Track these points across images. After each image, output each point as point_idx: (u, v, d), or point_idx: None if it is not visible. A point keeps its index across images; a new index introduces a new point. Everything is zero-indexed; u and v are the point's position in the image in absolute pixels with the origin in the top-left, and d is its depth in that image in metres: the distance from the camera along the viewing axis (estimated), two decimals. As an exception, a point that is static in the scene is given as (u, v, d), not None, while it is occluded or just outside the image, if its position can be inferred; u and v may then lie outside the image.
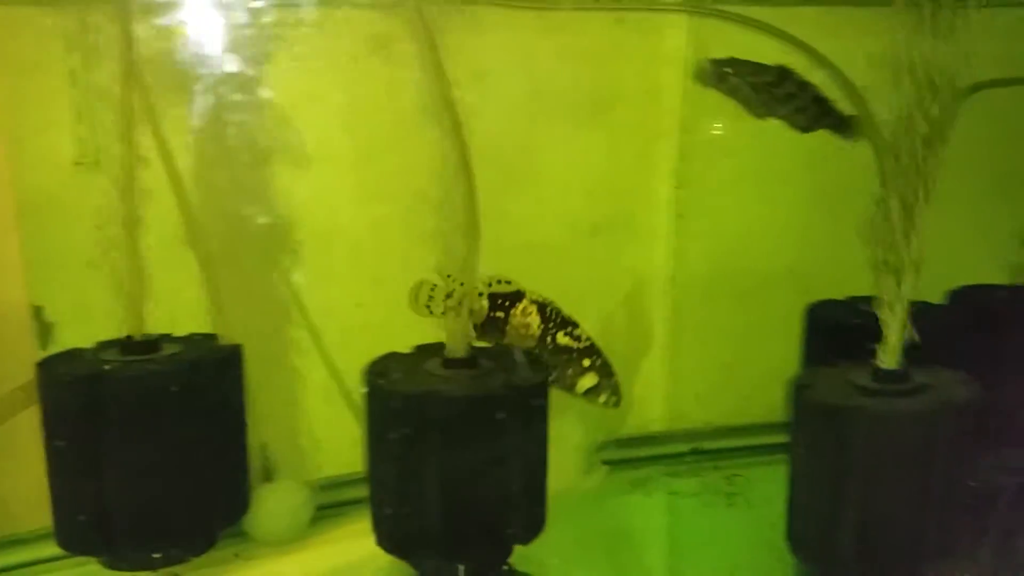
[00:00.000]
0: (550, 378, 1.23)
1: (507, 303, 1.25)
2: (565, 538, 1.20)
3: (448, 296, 1.15)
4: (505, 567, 1.12)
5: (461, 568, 1.10)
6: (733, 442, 1.48)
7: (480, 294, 1.21)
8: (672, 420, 1.50)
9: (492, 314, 1.23)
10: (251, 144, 1.24)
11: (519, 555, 1.13)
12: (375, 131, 1.27)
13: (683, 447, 1.46)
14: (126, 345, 1.09)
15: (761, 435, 1.47)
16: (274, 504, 1.18)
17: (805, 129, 1.26)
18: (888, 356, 1.04)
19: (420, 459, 1.03)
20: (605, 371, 1.23)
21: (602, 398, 1.21)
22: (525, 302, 1.25)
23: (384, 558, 1.11)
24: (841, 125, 1.28)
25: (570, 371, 1.23)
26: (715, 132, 1.45)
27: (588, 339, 1.25)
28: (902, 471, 1.00)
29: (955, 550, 1.07)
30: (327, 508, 1.25)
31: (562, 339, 1.24)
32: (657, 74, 1.41)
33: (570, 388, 1.23)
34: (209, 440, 1.09)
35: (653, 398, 1.51)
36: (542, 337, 1.23)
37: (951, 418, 1.01)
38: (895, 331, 1.03)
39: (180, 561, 1.11)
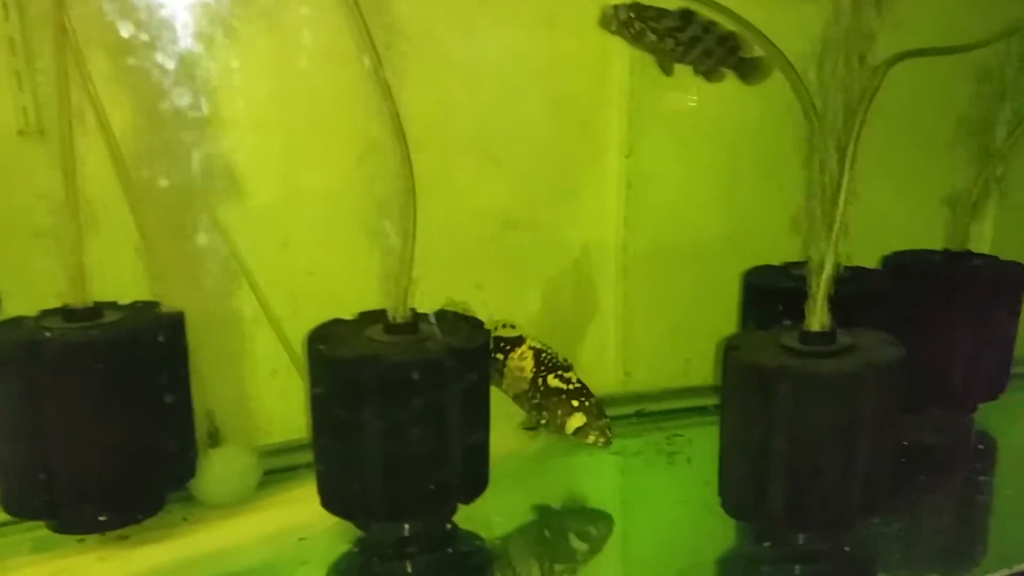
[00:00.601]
0: (542, 421, 1.28)
1: (508, 347, 1.32)
2: (509, 497, 1.23)
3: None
4: (448, 526, 1.16)
5: (405, 527, 1.14)
6: (676, 404, 1.51)
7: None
8: (619, 384, 1.53)
9: (493, 354, 1.30)
10: (193, 110, 1.23)
11: (463, 514, 1.16)
12: (320, 97, 1.27)
13: (629, 409, 1.50)
14: (67, 313, 1.10)
15: (702, 397, 1.51)
16: (221, 468, 1.19)
17: (708, 73, 1.27)
18: (814, 318, 1.08)
19: (362, 423, 1.05)
20: (593, 412, 1.26)
21: (590, 438, 1.24)
22: (524, 347, 1.32)
23: (331, 519, 1.13)
24: (746, 68, 1.30)
25: (560, 411, 1.27)
26: (663, 101, 1.47)
27: (578, 381, 1.30)
28: (827, 430, 1.03)
29: (883, 508, 1.12)
30: (277, 473, 1.27)
31: (552, 381, 1.29)
32: (604, 43, 1.42)
33: (560, 428, 1.27)
34: (152, 405, 1.10)
35: (601, 363, 1.54)
36: (534, 379, 1.29)
37: (876, 378, 1.04)
38: (821, 294, 1.07)
39: (127, 524, 1.13)
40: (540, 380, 1.29)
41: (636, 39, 1.24)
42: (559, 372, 1.30)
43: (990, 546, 1.17)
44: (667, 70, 1.29)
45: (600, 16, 1.31)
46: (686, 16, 1.24)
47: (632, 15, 1.23)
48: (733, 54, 1.27)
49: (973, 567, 1.09)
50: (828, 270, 1.06)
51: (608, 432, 1.23)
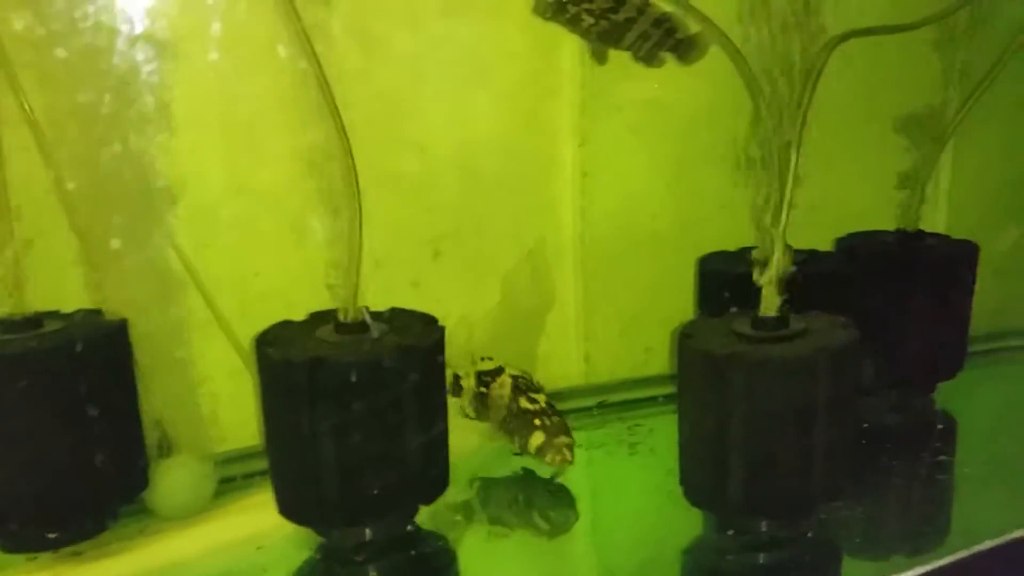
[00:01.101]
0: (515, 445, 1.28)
1: (489, 379, 1.33)
2: (470, 496, 1.23)
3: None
4: (410, 527, 1.14)
5: (366, 531, 1.12)
6: (636, 394, 1.51)
7: (467, 375, 1.35)
8: (580, 375, 1.52)
9: (478, 390, 1.33)
10: (131, 109, 1.20)
11: (424, 515, 1.15)
12: (263, 95, 1.24)
13: (590, 401, 1.49)
14: (5, 323, 1.07)
15: (663, 386, 1.50)
16: (174, 479, 1.16)
17: (647, 59, 1.26)
18: (766, 303, 1.07)
19: (314, 427, 1.03)
20: (552, 431, 1.24)
21: (548, 457, 1.22)
22: (503, 375, 1.32)
23: (289, 526, 1.11)
24: (683, 47, 1.28)
25: (524, 431, 1.26)
26: (614, 89, 1.45)
27: (546, 402, 1.29)
28: (783, 416, 1.03)
29: (844, 492, 1.12)
30: (231, 481, 1.25)
31: (523, 403, 1.28)
32: (552, 31, 1.40)
33: (525, 448, 1.26)
34: (97, 417, 1.07)
35: (562, 355, 1.53)
36: (510, 404, 1.29)
37: (829, 362, 1.03)
38: (772, 278, 1.06)
39: (80, 540, 1.10)
40: (514, 405, 1.29)
41: (572, 24, 1.22)
42: (529, 394, 1.30)
43: (953, 525, 1.17)
44: (600, 58, 1.27)
45: (534, 3, 1.29)
46: None
47: (566, 1, 1.21)
48: (670, 35, 1.26)
49: (936, 547, 1.09)
50: (778, 254, 1.06)
51: (567, 451, 1.20)
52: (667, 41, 1.26)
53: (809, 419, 1.03)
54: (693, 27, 1.26)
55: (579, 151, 1.46)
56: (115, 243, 1.15)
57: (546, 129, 1.45)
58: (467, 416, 1.35)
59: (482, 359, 1.37)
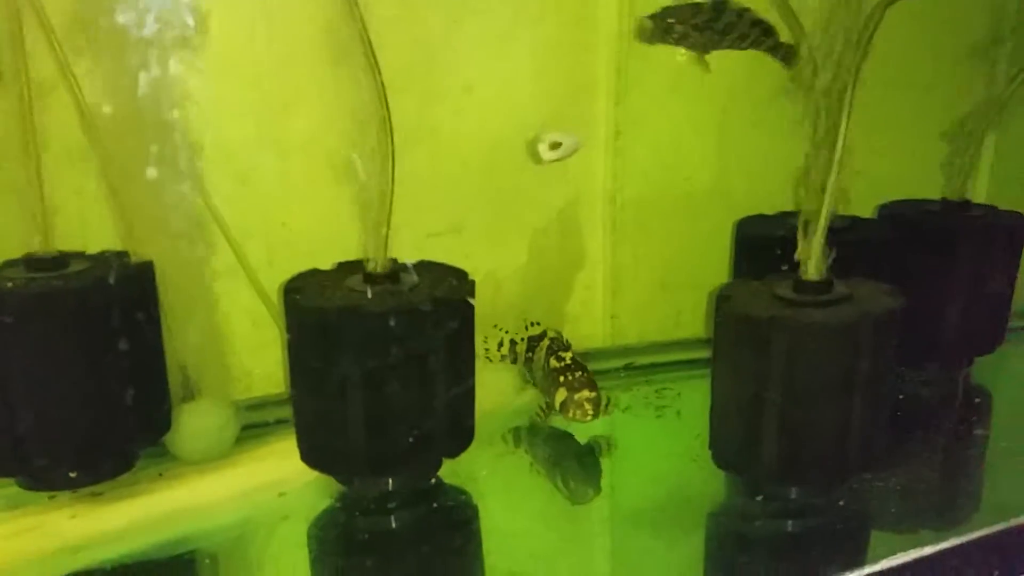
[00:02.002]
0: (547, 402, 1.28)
1: (535, 343, 1.34)
2: (495, 452, 1.21)
3: (500, 345, 1.38)
4: (433, 480, 1.13)
5: (389, 482, 1.11)
6: (665, 357, 1.48)
7: (521, 339, 1.37)
8: (607, 337, 1.50)
9: (528, 354, 1.35)
10: (162, 54, 1.17)
11: (448, 468, 1.14)
12: (295, 38, 1.21)
13: (617, 363, 1.47)
14: (30, 262, 1.05)
15: (691, 350, 1.48)
16: (196, 423, 1.15)
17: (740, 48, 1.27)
18: (810, 267, 1.04)
19: (342, 376, 1.01)
20: (575, 386, 1.21)
21: (570, 413, 1.20)
22: (545, 339, 1.33)
23: (311, 474, 1.10)
24: (780, 49, 1.30)
25: (551, 388, 1.25)
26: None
27: (570, 359, 1.27)
28: (823, 382, 1.01)
29: (877, 462, 1.10)
30: (255, 428, 1.24)
31: (552, 363, 1.28)
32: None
33: (552, 406, 1.25)
34: (122, 358, 1.05)
35: (590, 316, 1.51)
36: (544, 363, 1.29)
37: (873, 328, 1.01)
38: (817, 241, 1.03)
39: (100, 481, 1.09)
40: (545, 364, 1.29)
41: (679, 41, 1.24)
42: (558, 352, 1.28)
43: (985, 501, 1.15)
44: (703, 64, 1.29)
45: (637, 31, 1.29)
46: (718, 6, 1.24)
47: (670, 20, 1.23)
48: (768, 36, 1.27)
49: (968, 522, 1.06)
50: (825, 217, 1.03)
51: (588, 406, 1.18)
52: (765, 41, 1.26)
53: (849, 386, 1.00)
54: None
55: (614, 110, 1.42)
56: (143, 186, 1.13)
57: (582, 86, 1.41)
58: (527, 382, 1.36)
59: (532, 324, 1.37)
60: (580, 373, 1.23)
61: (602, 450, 1.23)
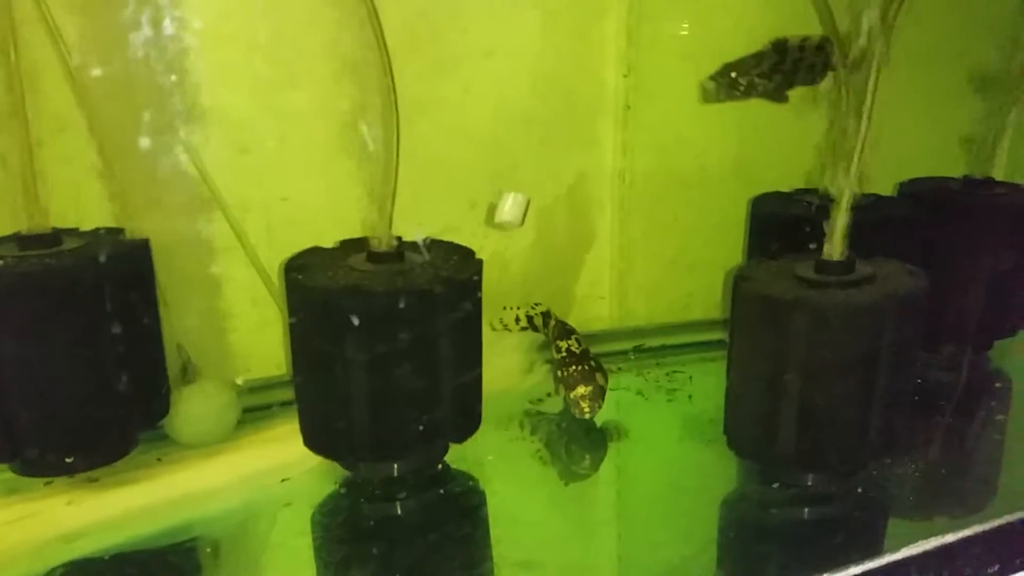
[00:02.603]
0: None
1: (547, 320, 1.35)
2: (501, 436, 1.18)
3: (516, 320, 1.36)
4: (440, 465, 1.10)
5: (394, 467, 1.08)
6: (675, 339, 1.45)
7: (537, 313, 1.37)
8: (616, 318, 1.46)
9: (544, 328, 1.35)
10: (156, 23, 1.12)
11: (454, 454, 1.11)
12: (294, 7, 1.16)
13: (626, 345, 1.44)
14: (22, 240, 1.01)
15: (703, 332, 1.45)
16: (195, 406, 1.12)
17: (817, 82, 1.24)
18: (832, 247, 1.00)
19: (345, 358, 0.98)
20: (571, 383, 1.19)
21: (573, 411, 1.18)
22: (552, 321, 1.33)
23: (314, 459, 1.07)
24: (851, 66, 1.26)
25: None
26: (666, 13, 1.36)
27: (567, 349, 1.24)
28: (844, 365, 0.97)
29: (897, 448, 1.07)
30: (255, 411, 1.21)
31: (552, 353, 1.27)
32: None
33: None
34: (117, 340, 1.02)
35: (598, 297, 1.47)
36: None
37: (896, 310, 0.97)
38: (840, 221, 0.99)
39: (97, 466, 1.06)
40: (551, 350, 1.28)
41: (747, 93, 1.22)
42: (557, 341, 1.27)
43: (1006, 487, 1.12)
44: (781, 99, 1.25)
45: (701, 93, 1.31)
46: (779, 48, 1.22)
47: (734, 75, 1.21)
48: (832, 53, 1.23)
49: (988, 509, 1.04)
50: (848, 196, 0.99)
51: (583, 404, 1.16)
52: (831, 61, 1.22)
53: (870, 370, 0.97)
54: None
55: (623, 81, 1.38)
56: (138, 158, 1.08)
57: (592, 57, 1.36)
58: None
59: (533, 306, 1.36)
60: (575, 367, 1.20)
61: (612, 435, 1.21)
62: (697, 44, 1.38)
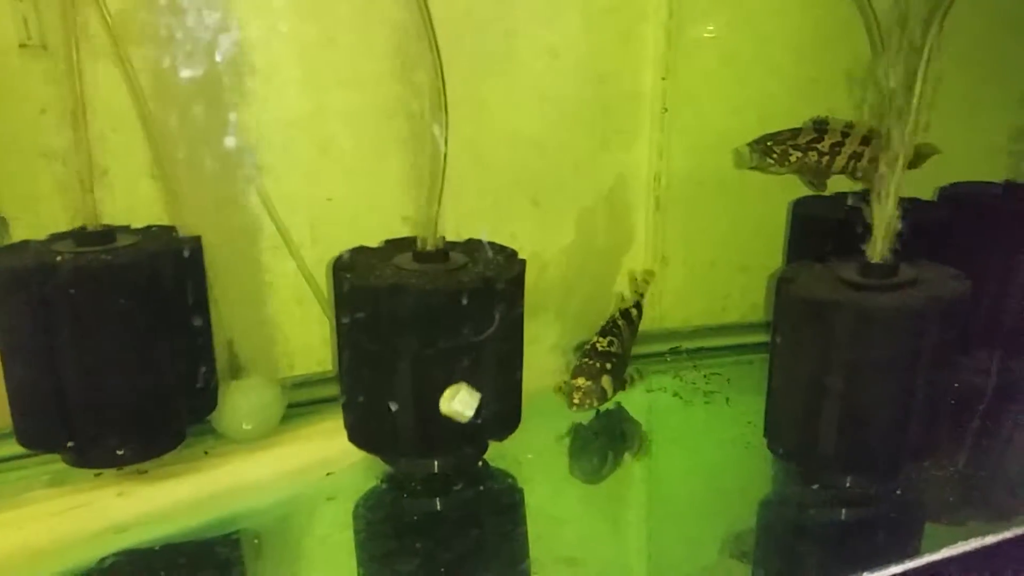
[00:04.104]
0: None
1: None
2: (541, 435, 1.19)
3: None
4: (480, 463, 1.11)
5: (435, 464, 1.09)
6: (712, 342, 1.46)
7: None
8: (652, 320, 1.47)
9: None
10: (209, 23, 1.15)
11: (494, 451, 1.12)
12: (342, 9, 1.18)
13: (662, 347, 1.44)
14: (79, 236, 1.04)
15: (741, 335, 1.45)
16: (243, 401, 1.14)
17: (865, 177, 1.29)
18: (875, 250, 1.00)
19: (392, 355, 1.00)
20: (574, 373, 1.20)
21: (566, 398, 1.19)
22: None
23: (357, 454, 1.09)
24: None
25: None
26: (706, 17, 1.37)
27: (591, 345, 1.25)
28: (888, 368, 0.98)
29: (936, 449, 1.07)
30: (299, 406, 1.23)
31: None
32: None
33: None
34: (169, 334, 1.05)
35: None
36: None
37: (940, 313, 0.97)
38: (884, 224, 0.99)
39: (146, 458, 1.09)
40: None
41: (781, 162, 1.27)
42: (596, 335, 1.28)
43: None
44: (820, 186, 1.31)
45: (735, 158, 1.32)
46: (819, 126, 1.26)
47: (769, 143, 1.27)
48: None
49: (1025, 513, 1.03)
50: (892, 199, 0.99)
51: (575, 394, 1.17)
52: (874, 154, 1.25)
53: (912, 372, 0.98)
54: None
55: (661, 84, 1.38)
56: (189, 159, 1.11)
57: (631, 59, 1.37)
58: None
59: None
60: (590, 361, 1.21)
61: (631, 447, 1.21)
62: (737, 48, 1.38)
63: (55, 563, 0.94)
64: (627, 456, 1.18)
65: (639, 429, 1.24)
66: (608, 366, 1.20)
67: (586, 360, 1.21)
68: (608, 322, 1.30)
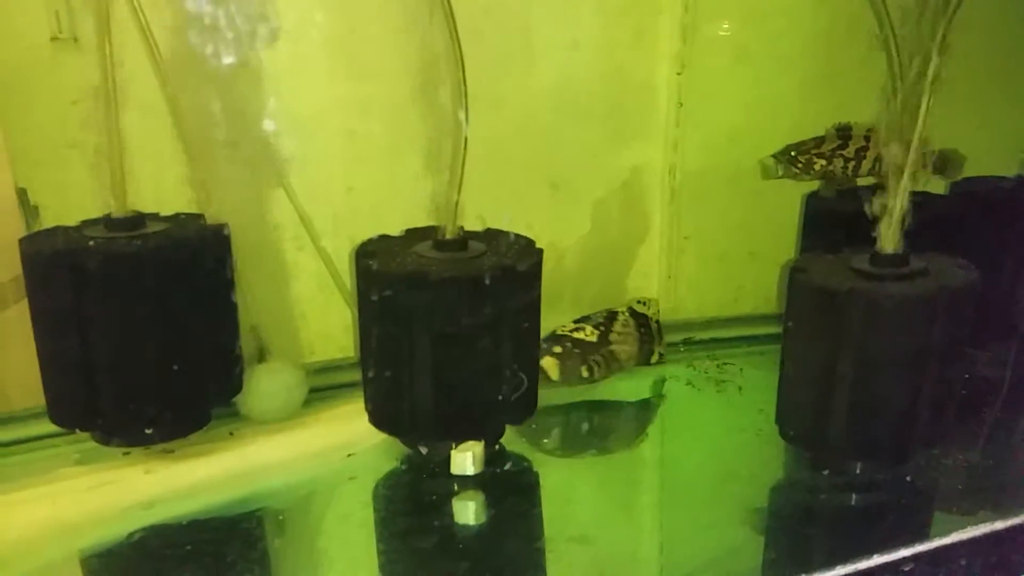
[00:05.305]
0: None
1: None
2: (556, 420, 1.22)
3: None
4: (496, 447, 1.14)
5: (454, 446, 1.12)
6: (725, 332, 1.48)
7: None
8: (667, 311, 1.49)
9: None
10: (233, 19, 1.18)
11: (511, 435, 1.15)
12: (364, 3, 1.21)
13: (676, 337, 1.46)
14: (109, 222, 1.07)
15: (754, 326, 1.47)
16: (268, 384, 1.18)
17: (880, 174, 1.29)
18: (887, 240, 1.02)
19: (411, 340, 1.02)
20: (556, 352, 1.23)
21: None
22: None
23: (378, 436, 1.12)
24: (937, 163, 1.34)
25: None
26: (721, 11, 1.39)
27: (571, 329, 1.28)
28: (898, 355, 0.99)
29: (945, 439, 1.09)
30: (319, 391, 1.26)
31: None
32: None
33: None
34: (197, 318, 1.08)
35: (648, 289, 1.51)
36: None
37: (950, 302, 0.99)
38: (896, 214, 1.01)
39: (173, 438, 1.12)
40: None
41: (806, 171, 1.29)
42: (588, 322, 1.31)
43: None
44: (831, 192, 1.33)
45: (761, 170, 1.35)
46: (843, 132, 1.27)
47: (793, 153, 1.28)
48: None
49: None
50: (904, 191, 1.01)
51: (547, 358, 1.21)
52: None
53: (922, 361, 0.99)
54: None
55: (676, 79, 1.41)
56: (218, 148, 1.14)
57: (646, 54, 1.39)
58: None
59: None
60: (565, 341, 1.25)
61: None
62: (751, 44, 1.40)
63: (85, 537, 0.97)
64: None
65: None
66: (592, 355, 1.25)
67: (565, 342, 1.24)
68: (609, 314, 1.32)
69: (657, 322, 1.37)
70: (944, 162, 1.34)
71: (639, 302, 1.37)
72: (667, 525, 1.03)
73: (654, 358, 1.32)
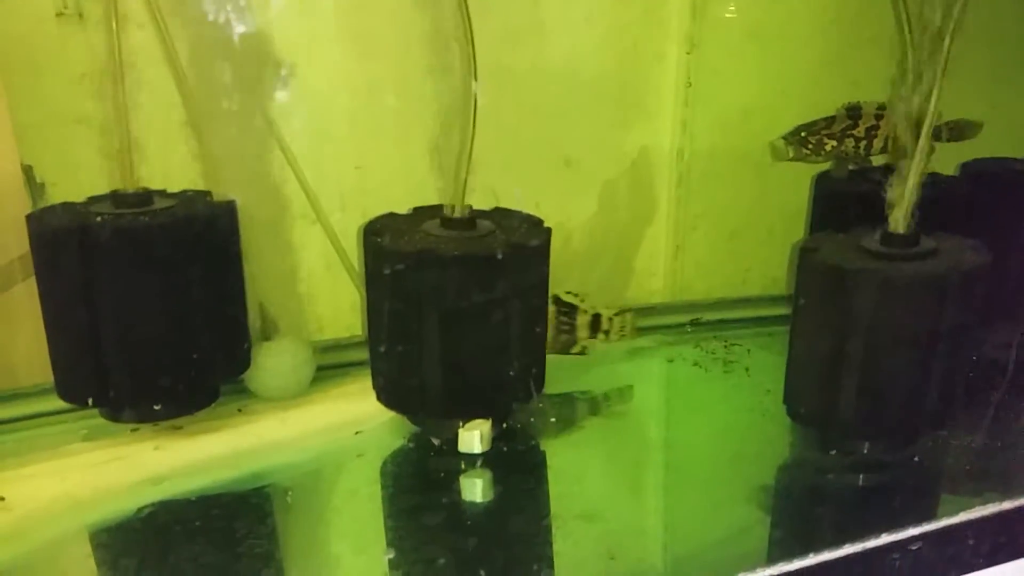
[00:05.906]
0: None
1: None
2: (565, 399, 1.22)
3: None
4: (504, 424, 1.14)
5: (461, 423, 1.12)
6: (733, 313, 1.47)
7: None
8: (674, 292, 1.49)
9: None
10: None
11: (519, 413, 1.15)
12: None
13: (683, 318, 1.46)
14: (117, 198, 1.07)
15: (761, 307, 1.47)
16: (276, 361, 1.18)
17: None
18: (898, 220, 1.02)
19: (417, 318, 1.02)
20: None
21: None
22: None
23: (386, 414, 1.12)
24: (954, 131, 1.34)
25: None
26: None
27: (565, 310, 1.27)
28: (907, 335, 0.99)
29: (953, 420, 1.09)
30: (327, 369, 1.26)
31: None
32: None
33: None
34: (205, 295, 1.07)
35: (655, 270, 1.50)
36: None
37: (960, 282, 0.99)
38: (908, 194, 1.01)
39: (181, 414, 1.12)
40: None
41: (816, 151, 1.28)
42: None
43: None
44: (843, 172, 1.31)
45: (771, 152, 1.34)
46: (853, 112, 1.26)
47: (804, 134, 1.27)
48: None
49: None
50: (915, 171, 1.00)
51: None
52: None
53: (932, 341, 0.99)
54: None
55: (686, 58, 1.40)
56: (223, 125, 1.13)
57: (655, 33, 1.38)
58: None
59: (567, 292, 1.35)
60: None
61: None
62: (761, 22, 1.39)
63: (95, 512, 0.97)
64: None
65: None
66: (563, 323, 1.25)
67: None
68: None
69: (596, 315, 1.32)
70: (960, 130, 1.33)
71: (568, 292, 1.32)
72: (674, 504, 1.04)
73: (575, 349, 1.28)
